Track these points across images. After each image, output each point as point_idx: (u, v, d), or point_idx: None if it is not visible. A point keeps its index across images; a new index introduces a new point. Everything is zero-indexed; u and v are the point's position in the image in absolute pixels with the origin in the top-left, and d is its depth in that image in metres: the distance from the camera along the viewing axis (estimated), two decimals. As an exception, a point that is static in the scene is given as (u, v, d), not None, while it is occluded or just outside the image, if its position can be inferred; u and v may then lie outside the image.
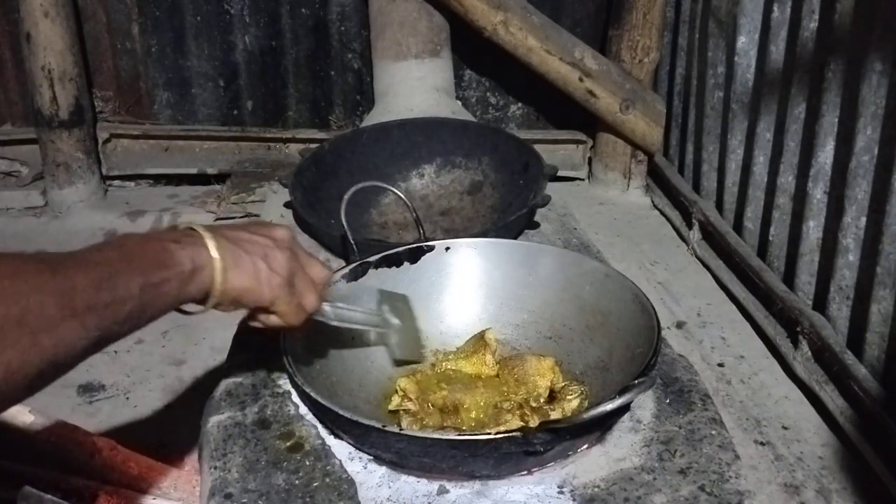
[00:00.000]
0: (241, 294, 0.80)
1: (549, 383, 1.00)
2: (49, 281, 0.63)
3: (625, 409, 0.92)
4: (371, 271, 1.09)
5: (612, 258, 1.77)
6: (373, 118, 2.05)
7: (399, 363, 1.06)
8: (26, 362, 0.59)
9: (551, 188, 1.49)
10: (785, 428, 1.45)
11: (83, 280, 0.65)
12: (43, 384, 0.63)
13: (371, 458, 0.89)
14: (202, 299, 0.78)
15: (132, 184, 2.40)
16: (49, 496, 0.92)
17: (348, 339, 1.03)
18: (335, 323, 0.95)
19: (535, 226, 1.51)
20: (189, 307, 0.79)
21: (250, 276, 0.80)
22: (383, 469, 0.88)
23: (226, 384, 1.02)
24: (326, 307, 0.92)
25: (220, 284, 0.78)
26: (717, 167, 1.98)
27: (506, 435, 0.81)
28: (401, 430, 0.86)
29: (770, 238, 1.74)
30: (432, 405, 0.98)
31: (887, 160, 1.34)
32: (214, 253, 0.77)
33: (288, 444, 0.91)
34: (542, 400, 0.98)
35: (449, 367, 1.05)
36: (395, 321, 1.04)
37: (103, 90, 2.38)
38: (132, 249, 0.72)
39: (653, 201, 2.29)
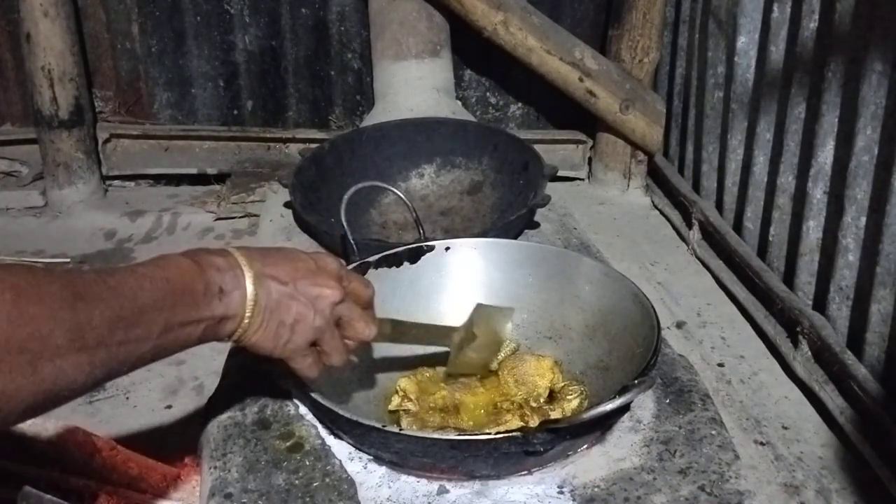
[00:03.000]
0: (251, 348, 0.80)
1: (548, 383, 1.00)
2: (66, 309, 0.60)
3: (625, 409, 0.92)
4: (371, 271, 1.09)
5: (612, 258, 1.77)
6: (373, 118, 2.05)
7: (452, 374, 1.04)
8: (21, 390, 0.57)
9: (551, 188, 1.49)
10: (785, 428, 1.45)
11: (103, 314, 0.63)
12: (36, 413, 0.60)
13: (371, 458, 0.89)
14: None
15: (132, 184, 2.40)
16: (49, 496, 0.92)
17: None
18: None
19: (535, 226, 1.51)
20: None
21: (270, 338, 0.79)
22: (383, 469, 0.88)
23: (226, 384, 1.02)
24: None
25: (238, 336, 0.78)
26: (717, 167, 1.98)
27: (506, 435, 0.81)
28: (401, 430, 0.86)
29: (770, 238, 1.74)
30: (432, 405, 0.98)
31: (887, 160, 1.34)
32: (248, 311, 0.76)
33: (288, 444, 0.91)
34: (541, 400, 0.98)
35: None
36: (455, 340, 1.01)
37: (103, 90, 2.38)
38: (171, 284, 0.70)
39: (653, 201, 2.29)
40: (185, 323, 0.71)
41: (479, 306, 1.05)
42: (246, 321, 0.76)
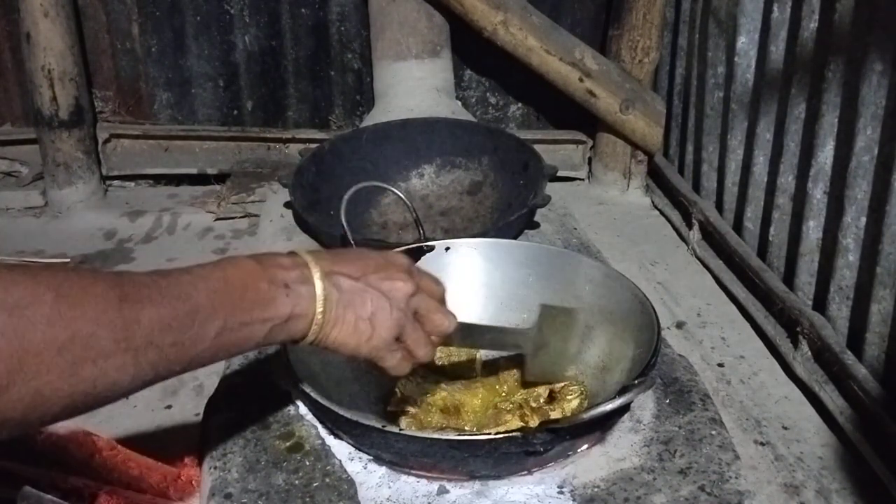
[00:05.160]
0: (335, 348, 0.77)
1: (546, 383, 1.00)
2: (111, 311, 0.59)
3: (625, 409, 0.92)
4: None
5: (612, 258, 1.77)
6: (373, 118, 2.06)
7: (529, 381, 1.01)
8: (59, 391, 0.56)
9: (551, 188, 1.50)
10: (785, 428, 1.45)
11: (152, 315, 0.61)
12: (74, 414, 0.59)
13: (371, 458, 0.89)
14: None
15: (132, 184, 2.40)
16: (49, 496, 0.92)
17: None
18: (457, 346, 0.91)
19: (535, 226, 1.51)
20: None
21: (349, 334, 0.76)
22: (383, 469, 0.88)
23: (226, 384, 1.02)
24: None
25: (314, 335, 0.74)
26: (717, 167, 1.98)
27: (506, 435, 0.81)
28: (401, 430, 0.86)
29: (770, 238, 1.74)
30: (432, 406, 0.98)
31: (887, 160, 1.34)
32: (320, 306, 0.73)
33: (288, 444, 0.91)
34: (541, 400, 0.98)
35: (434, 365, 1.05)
36: (528, 345, 0.98)
37: (103, 90, 2.38)
38: (230, 284, 0.67)
39: (653, 201, 2.29)
40: (247, 323, 0.68)
41: (545, 307, 1.01)
42: (319, 317, 0.73)
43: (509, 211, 1.52)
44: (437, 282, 0.86)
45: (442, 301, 0.85)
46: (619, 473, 0.87)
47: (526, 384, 1.01)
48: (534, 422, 0.92)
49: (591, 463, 0.88)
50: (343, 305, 0.75)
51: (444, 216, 1.65)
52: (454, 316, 0.85)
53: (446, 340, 0.88)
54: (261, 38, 2.35)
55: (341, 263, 0.76)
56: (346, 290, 0.75)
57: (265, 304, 0.69)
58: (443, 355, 1.06)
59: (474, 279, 1.13)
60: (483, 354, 1.08)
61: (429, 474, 0.86)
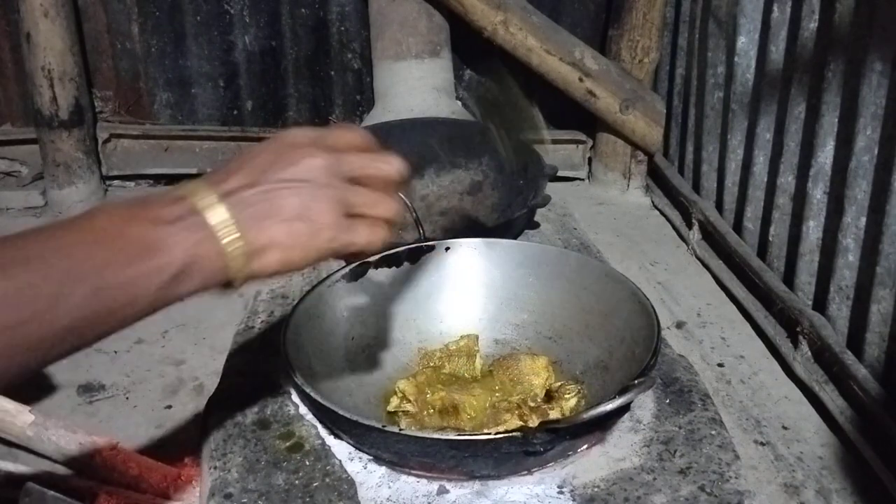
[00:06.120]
0: (279, 270, 0.63)
1: (543, 382, 1.00)
2: None
3: (625, 409, 0.92)
4: (371, 271, 1.08)
5: (612, 258, 1.77)
6: (373, 118, 2.06)
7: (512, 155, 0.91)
8: None
9: (551, 188, 1.49)
10: (785, 428, 1.45)
11: None
12: None
13: (371, 458, 0.89)
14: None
15: (132, 184, 2.41)
16: (52, 492, 0.93)
17: (349, 338, 1.03)
18: None
19: (535, 226, 1.51)
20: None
21: (289, 246, 0.62)
22: (383, 469, 0.88)
23: (226, 384, 1.02)
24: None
25: (241, 271, 0.61)
26: (717, 167, 1.98)
27: (506, 435, 0.81)
28: (400, 430, 0.86)
29: (770, 238, 1.74)
30: (431, 406, 0.98)
31: (887, 160, 1.34)
32: (232, 232, 0.59)
33: (288, 444, 0.91)
34: (539, 399, 0.98)
35: (433, 364, 1.04)
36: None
37: (103, 90, 2.38)
38: (96, 236, 0.54)
39: (653, 201, 2.29)
40: (131, 278, 0.55)
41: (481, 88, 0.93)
42: (238, 244, 0.59)
43: (509, 211, 1.52)
44: (347, 131, 0.71)
45: (370, 149, 0.71)
46: (619, 473, 0.87)
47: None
48: (533, 421, 0.91)
49: (591, 463, 0.88)
50: (259, 219, 0.61)
51: (444, 216, 1.65)
52: (396, 157, 0.72)
53: (404, 187, 0.74)
54: (261, 38, 2.35)
55: (229, 178, 0.62)
56: (252, 202, 0.61)
57: (148, 252, 0.55)
58: (442, 355, 1.06)
59: (474, 279, 1.13)
60: (483, 354, 1.08)
61: (429, 474, 0.86)
